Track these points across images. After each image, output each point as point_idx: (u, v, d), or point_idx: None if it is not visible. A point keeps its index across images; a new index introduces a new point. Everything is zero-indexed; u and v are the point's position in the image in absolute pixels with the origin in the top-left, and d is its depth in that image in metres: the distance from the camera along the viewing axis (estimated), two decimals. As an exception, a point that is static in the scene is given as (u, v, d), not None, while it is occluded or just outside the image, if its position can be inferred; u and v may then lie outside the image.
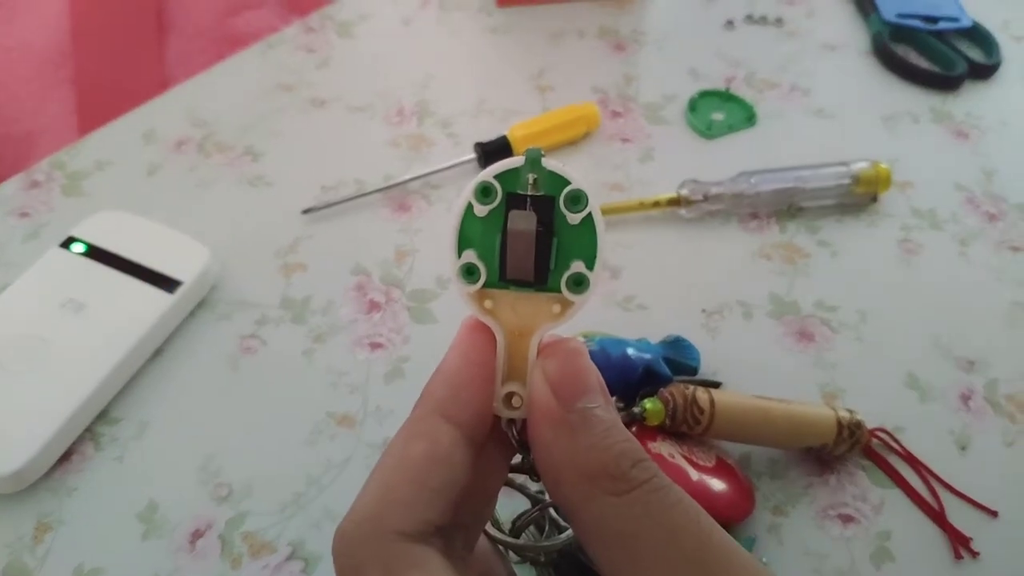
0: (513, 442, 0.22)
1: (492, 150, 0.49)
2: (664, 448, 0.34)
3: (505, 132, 0.49)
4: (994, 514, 0.36)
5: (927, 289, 0.44)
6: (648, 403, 0.34)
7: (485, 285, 0.21)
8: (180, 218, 0.44)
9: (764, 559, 0.34)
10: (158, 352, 0.40)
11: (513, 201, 0.21)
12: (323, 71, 0.55)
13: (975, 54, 0.57)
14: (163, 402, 0.39)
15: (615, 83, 0.55)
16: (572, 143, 0.51)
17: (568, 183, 0.21)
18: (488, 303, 0.21)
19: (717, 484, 0.34)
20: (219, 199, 0.47)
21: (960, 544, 0.34)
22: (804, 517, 0.35)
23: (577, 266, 0.21)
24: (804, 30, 0.59)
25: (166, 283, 0.41)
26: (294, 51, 0.57)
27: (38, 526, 0.35)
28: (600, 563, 0.20)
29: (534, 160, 0.21)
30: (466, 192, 0.21)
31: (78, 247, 0.42)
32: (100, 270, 0.41)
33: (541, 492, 0.28)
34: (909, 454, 0.37)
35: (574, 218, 0.21)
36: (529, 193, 0.21)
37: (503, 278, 0.21)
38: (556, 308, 0.21)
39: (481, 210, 0.21)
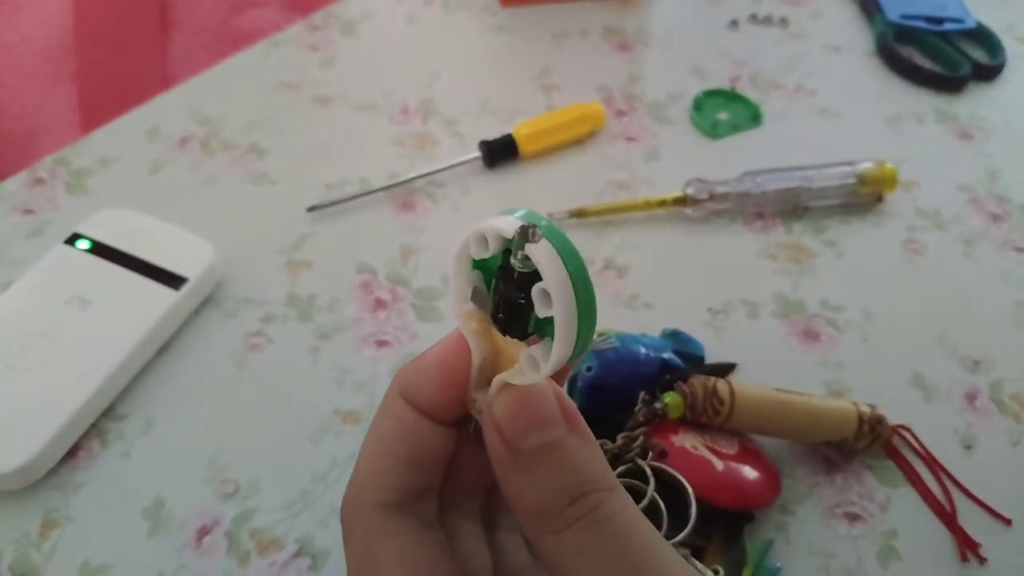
0: (471, 437, 0.23)
1: (497, 148, 0.49)
2: (687, 440, 0.34)
3: (509, 131, 0.49)
4: (1008, 522, 0.35)
5: (932, 289, 0.44)
6: (667, 397, 0.34)
7: (479, 308, 0.21)
8: (184, 215, 0.44)
9: (778, 564, 0.34)
10: (164, 349, 0.40)
11: (506, 263, 0.20)
12: (327, 69, 0.55)
13: (979, 55, 0.57)
14: (169, 399, 0.39)
15: (620, 82, 0.55)
16: (577, 142, 0.51)
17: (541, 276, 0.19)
18: (474, 324, 0.21)
19: (743, 472, 0.34)
20: (223, 197, 0.47)
21: (969, 548, 0.34)
22: (811, 516, 0.35)
23: (538, 350, 0.20)
24: (809, 31, 0.59)
25: (171, 280, 0.41)
26: (298, 49, 0.57)
27: (44, 522, 0.35)
28: None
29: (519, 244, 0.19)
30: (466, 236, 0.20)
31: (83, 244, 0.42)
32: (105, 267, 0.41)
33: None
34: (928, 453, 0.37)
35: (545, 312, 0.19)
36: (518, 269, 0.19)
37: (495, 320, 0.21)
38: (517, 366, 0.21)
39: (480, 253, 0.20)
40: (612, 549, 0.19)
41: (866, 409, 0.36)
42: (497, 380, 0.21)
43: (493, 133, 0.50)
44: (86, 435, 0.37)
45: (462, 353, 0.22)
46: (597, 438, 0.22)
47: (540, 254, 0.19)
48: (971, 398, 0.40)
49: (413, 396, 0.22)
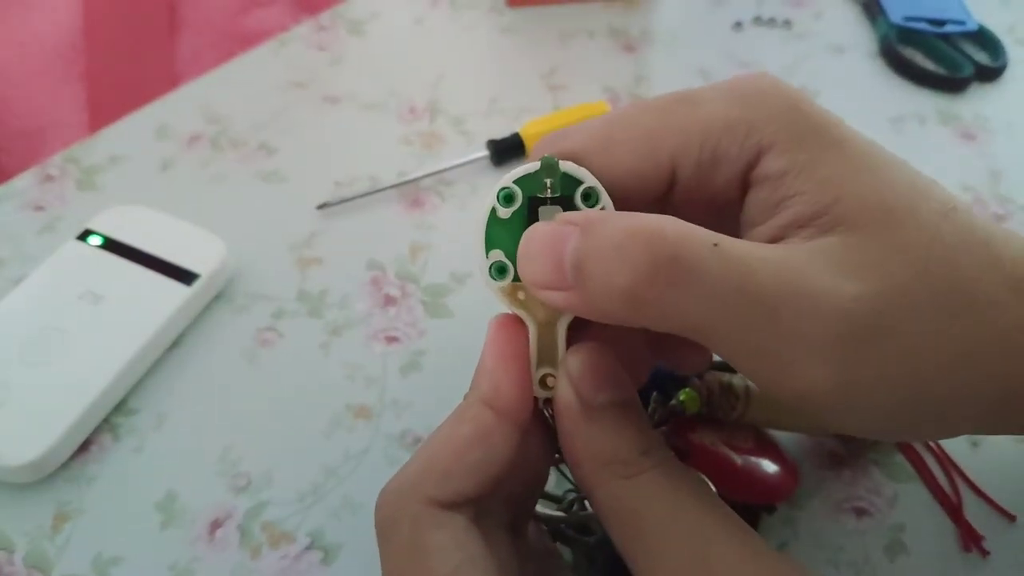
0: (548, 420, 0.24)
1: (505, 147, 0.49)
2: (705, 437, 0.34)
3: (517, 130, 0.50)
4: (1012, 518, 0.36)
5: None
6: (683, 394, 0.35)
7: (514, 280, 0.23)
8: (195, 212, 0.44)
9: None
10: (175, 344, 0.40)
11: (534, 203, 0.23)
12: (335, 69, 0.56)
13: (981, 57, 0.58)
14: (181, 393, 0.39)
15: (625, 83, 0.55)
16: (584, 141, 0.51)
17: (581, 182, 0.23)
18: (521, 294, 0.24)
19: (762, 466, 0.34)
20: (233, 194, 0.48)
21: (972, 541, 0.35)
22: (819, 510, 0.36)
23: None
24: (812, 32, 0.60)
25: (183, 276, 0.41)
26: (306, 49, 0.57)
27: (57, 515, 0.35)
28: (613, 537, 0.22)
29: (550, 165, 0.23)
30: (489, 198, 0.23)
31: (95, 240, 0.42)
32: (117, 262, 0.41)
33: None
34: (937, 446, 0.37)
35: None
36: (548, 195, 0.23)
37: None
38: None
39: (504, 213, 0.23)
40: (688, 493, 0.21)
41: None
42: (562, 327, 0.23)
43: (500, 132, 0.50)
44: (99, 429, 0.37)
45: (513, 340, 0.24)
46: None
47: (570, 166, 0.23)
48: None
49: (495, 401, 0.23)
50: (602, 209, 0.23)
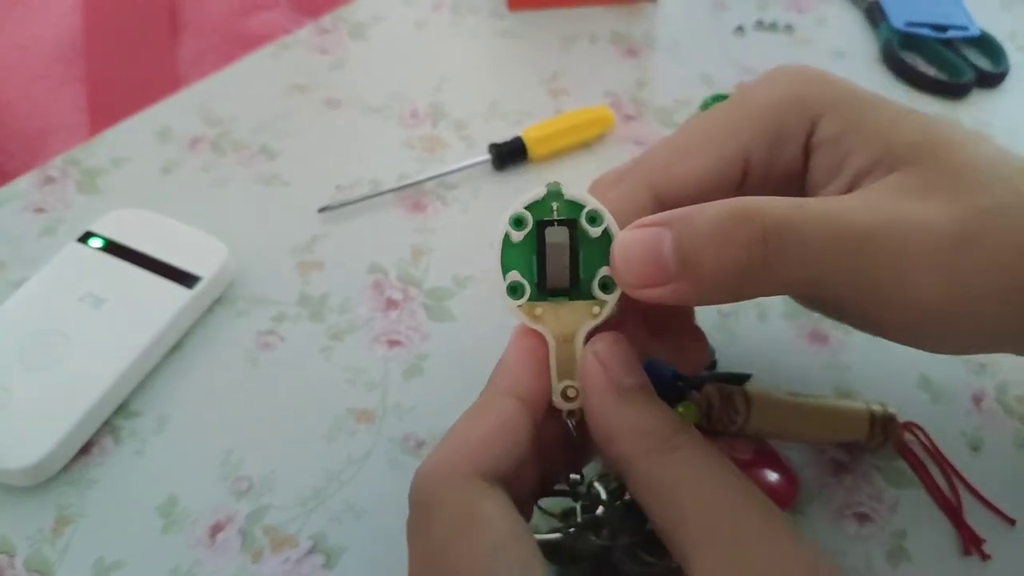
0: (572, 430, 0.26)
1: (507, 151, 0.49)
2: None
3: (518, 134, 0.50)
4: (1012, 522, 0.36)
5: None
6: (681, 407, 0.35)
7: (529, 299, 0.26)
8: (196, 215, 0.44)
9: None
10: (177, 347, 0.40)
11: (543, 226, 0.26)
12: (337, 72, 0.56)
13: (983, 63, 0.58)
14: (182, 396, 0.39)
15: (627, 87, 0.55)
16: (586, 145, 0.51)
17: (584, 206, 0.26)
18: (538, 310, 0.26)
19: (763, 476, 0.35)
20: (235, 197, 0.48)
21: (973, 544, 0.35)
22: (821, 516, 0.36)
23: (604, 271, 0.26)
24: (814, 37, 0.60)
25: (185, 278, 0.41)
26: (308, 52, 0.57)
27: (58, 519, 0.35)
28: (650, 510, 0.23)
29: (556, 192, 0.26)
30: (501, 224, 0.26)
31: (96, 242, 0.42)
32: (119, 265, 0.41)
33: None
34: (937, 450, 0.37)
35: (595, 231, 0.25)
36: (555, 218, 0.26)
37: (543, 291, 0.26)
38: (595, 309, 0.26)
39: (517, 236, 0.26)
40: (722, 470, 0.23)
41: (878, 408, 0.36)
42: (580, 338, 0.26)
43: (502, 136, 0.50)
44: (100, 432, 0.37)
45: (534, 346, 0.26)
46: None
47: (574, 192, 0.26)
48: (978, 400, 0.40)
49: (517, 392, 0.25)
50: (605, 229, 0.25)
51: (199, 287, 0.41)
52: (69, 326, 0.39)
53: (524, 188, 0.48)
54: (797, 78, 0.28)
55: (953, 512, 0.36)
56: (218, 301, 0.42)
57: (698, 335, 0.32)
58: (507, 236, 0.26)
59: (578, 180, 0.49)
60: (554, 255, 0.25)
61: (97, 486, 0.36)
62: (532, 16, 0.60)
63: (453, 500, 0.22)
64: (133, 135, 0.51)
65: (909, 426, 0.38)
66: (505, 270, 0.26)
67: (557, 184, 0.25)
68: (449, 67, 0.56)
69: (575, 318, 0.26)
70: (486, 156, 0.49)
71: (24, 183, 0.48)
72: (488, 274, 0.44)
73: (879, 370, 0.41)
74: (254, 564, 0.34)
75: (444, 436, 0.24)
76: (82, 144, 0.50)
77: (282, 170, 0.49)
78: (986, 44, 0.59)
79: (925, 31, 0.58)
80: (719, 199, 0.24)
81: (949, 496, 0.36)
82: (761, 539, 0.21)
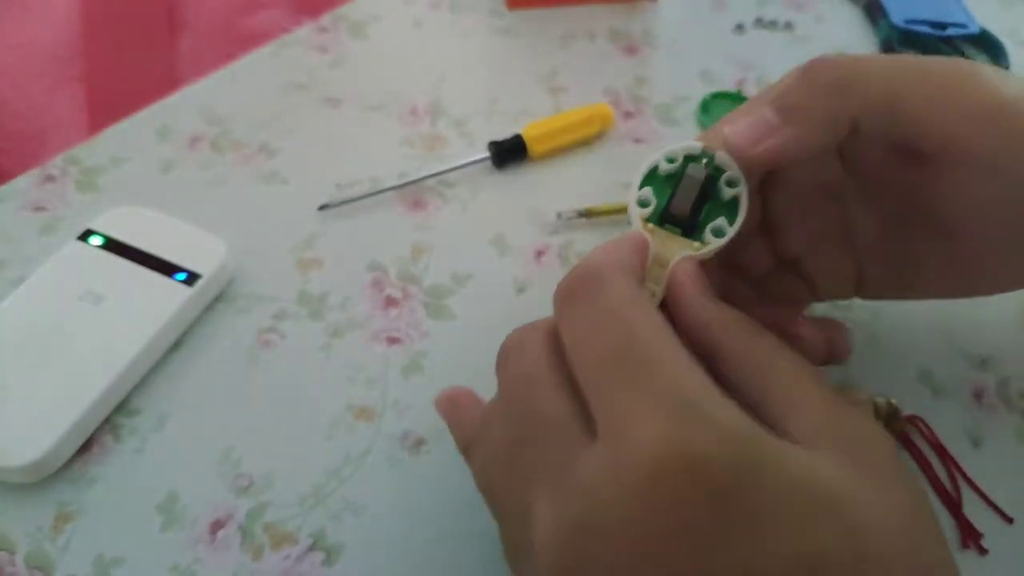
0: None
1: (506, 149, 0.49)
2: None
3: (518, 131, 0.50)
4: (1010, 520, 0.36)
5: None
6: None
7: (648, 218, 0.30)
8: (195, 214, 0.44)
9: None
10: (177, 345, 0.40)
11: (687, 163, 0.30)
12: (336, 71, 0.56)
13: (983, 60, 0.58)
14: (182, 394, 0.39)
15: (627, 85, 0.55)
16: (585, 143, 0.51)
17: (725, 170, 0.30)
18: (650, 227, 0.30)
19: None
20: (234, 196, 0.48)
21: (971, 538, 0.35)
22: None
23: (720, 221, 0.30)
24: (814, 35, 0.60)
25: (185, 276, 0.41)
26: (307, 51, 0.57)
27: (58, 515, 0.35)
28: (740, 382, 0.26)
29: (709, 154, 0.31)
30: (657, 155, 0.31)
31: (96, 240, 0.42)
32: (119, 263, 0.41)
33: None
34: (939, 444, 0.37)
35: (728, 193, 0.30)
36: (704, 163, 0.30)
37: (663, 220, 0.30)
38: (696, 245, 0.29)
39: (665, 168, 0.31)
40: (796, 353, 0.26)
41: (881, 401, 0.36)
42: (674, 261, 0.29)
43: (502, 134, 0.50)
44: (100, 430, 0.37)
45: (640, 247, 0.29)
46: None
47: (723, 157, 0.30)
48: (979, 395, 0.40)
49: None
50: (736, 196, 0.30)
51: (199, 285, 0.40)
52: (69, 324, 0.39)
53: (524, 186, 0.48)
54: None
55: (953, 506, 0.36)
56: (218, 299, 0.42)
57: (827, 323, 0.34)
58: (657, 166, 0.31)
59: (578, 178, 0.49)
60: (687, 186, 0.30)
61: (97, 483, 0.36)
62: (531, 14, 0.60)
63: (620, 283, 0.26)
64: (132, 134, 0.51)
65: (912, 419, 0.38)
66: (641, 187, 0.30)
67: (710, 149, 0.30)
68: (448, 65, 0.56)
69: (677, 249, 0.29)
70: (486, 154, 0.49)
71: (24, 182, 0.48)
72: (487, 273, 0.44)
73: (880, 365, 0.41)
74: (254, 561, 0.34)
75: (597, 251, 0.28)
76: (82, 143, 0.50)
77: (282, 168, 0.49)
78: (986, 42, 0.59)
79: (924, 28, 0.58)
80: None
81: (950, 490, 0.36)
82: (837, 398, 0.25)
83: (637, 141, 0.52)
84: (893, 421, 0.36)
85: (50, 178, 0.48)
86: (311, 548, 0.34)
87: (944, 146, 0.29)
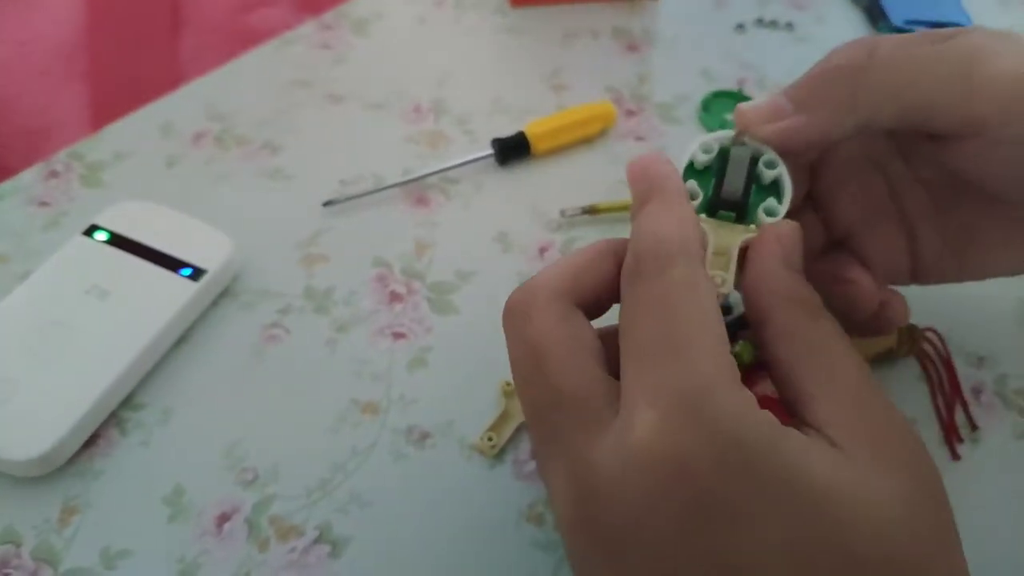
0: None
1: (510, 146, 0.49)
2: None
3: (521, 129, 0.50)
4: (975, 427, 0.39)
5: (938, 287, 0.45)
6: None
7: (698, 210, 0.30)
8: (200, 209, 0.45)
9: None
10: (182, 339, 0.40)
11: (724, 153, 0.30)
12: (340, 68, 0.56)
13: (981, 60, 0.58)
14: (188, 389, 0.39)
15: (629, 83, 0.56)
16: (588, 141, 0.51)
17: (764, 153, 0.30)
18: (703, 216, 0.30)
19: None
20: (238, 191, 0.48)
21: (954, 437, 0.39)
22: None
23: (770, 202, 0.30)
24: (814, 35, 0.60)
25: (190, 271, 0.41)
26: (310, 48, 0.57)
27: (64, 509, 0.35)
28: (776, 354, 0.26)
29: (742, 140, 0.31)
30: (692, 146, 0.31)
31: (101, 235, 0.42)
32: (124, 258, 0.41)
33: None
34: (948, 358, 0.41)
35: (769, 175, 0.30)
36: (744, 143, 0.31)
37: (715, 202, 0.30)
38: (752, 228, 0.29)
39: (703, 160, 0.30)
40: (852, 346, 0.26)
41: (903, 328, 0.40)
42: (736, 248, 0.29)
43: (505, 131, 0.50)
44: (105, 424, 0.38)
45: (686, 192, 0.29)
46: None
47: (757, 142, 0.30)
48: (977, 393, 0.40)
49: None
50: (777, 177, 0.30)
51: (204, 280, 0.41)
52: (75, 318, 0.39)
53: (527, 183, 0.49)
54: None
55: (948, 408, 0.39)
56: (223, 294, 0.42)
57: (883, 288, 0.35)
58: (692, 161, 0.31)
59: (581, 176, 0.49)
60: (735, 167, 0.30)
61: (103, 477, 0.36)
62: (534, 12, 0.61)
63: (544, 308, 0.27)
64: (136, 130, 0.51)
65: (927, 331, 0.41)
66: (685, 178, 0.30)
67: (744, 135, 0.31)
68: (451, 63, 0.57)
69: (730, 237, 0.29)
70: (489, 151, 0.49)
71: (28, 177, 0.48)
72: (491, 270, 0.44)
73: (879, 361, 0.41)
74: (260, 554, 0.34)
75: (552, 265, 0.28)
76: (85, 139, 0.50)
77: (286, 165, 0.49)
78: (984, 41, 0.59)
79: (923, 28, 0.58)
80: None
81: (947, 399, 0.40)
82: (875, 393, 0.25)
83: (639, 139, 0.52)
84: (914, 334, 0.40)
85: (54, 173, 0.48)
86: (317, 540, 0.34)
87: (959, 127, 0.30)
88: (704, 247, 0.27)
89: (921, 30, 0.31)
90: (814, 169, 0.35)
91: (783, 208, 0.30)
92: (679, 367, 0.23)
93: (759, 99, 0.31)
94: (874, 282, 0.33)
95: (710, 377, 0.23)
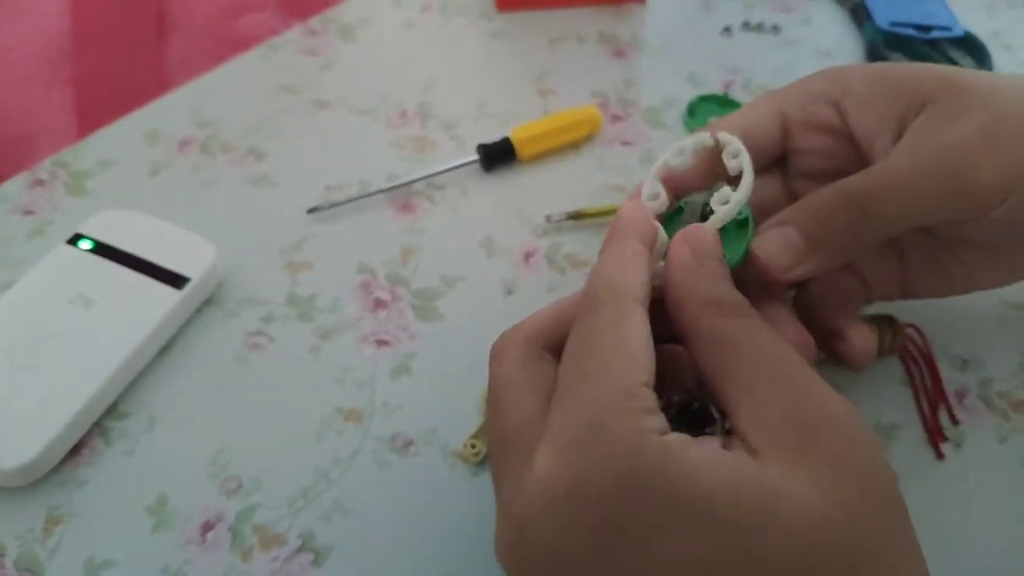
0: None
1: (495, 152, 0.49)
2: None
3: (507, 134, 0.50)
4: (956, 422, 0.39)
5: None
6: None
7: (660, 214, 0.32)
8: (185, 217, 0.45)
9: None
10: (166, 348, 0.40)
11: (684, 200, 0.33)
12: (326, 74, 0.56)
13: (967, 62, 0.58)
14: (172, 397, 0.39)
15: (615, 87, 0.56)
16: (574, 146, 0.51)
17: (727, 145, 0.32)
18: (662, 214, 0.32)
19: None
20: (224, 198, 0.48)
21: (938, 437, 0.39)
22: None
23: (725, 191, 0.31)
24: (800, 37, 0.60)
25: (174, 279, 0.41)
26: (297, 54, 0.57)
27: (48, 518, 0.35)
28: (704, 364, 0.26)
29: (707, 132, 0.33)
30: (665, 153, 0.34)
31: (85, 244, 0.42)
32: (108, 266, 0.41)
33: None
34: (929, 353, 0.41)
35: (733, 166, 0.32)
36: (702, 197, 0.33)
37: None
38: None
39: (677, 163, 0.33)
40: (779, 337, 0.27)
41: (874, 315, 0.40)
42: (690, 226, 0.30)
43: (491, 136, 0.50)
44: (89, 433, 0.37)
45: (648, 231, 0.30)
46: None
47: (723, 134, 0.33)
48: (961, 396, 0.40)
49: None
50: (738, 155, 0.32)
51: (188, 288, 0.41)
52: (59, 327, 0.39)
53: (512, 189, 0.49)
54: (824, 71, 0.37)
55: (931, 406, 0.39)
56: (207, 302, 0.42)
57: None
58: (667, 160, 0.33)
59: (567, 181, 0.49)
60: (690, 216, 0.32)
61: (87, 486, 0.36)
62: (520, 17, 0.61)
63: (513, 355, 0.28)
64: (121, 137, 0.51)
65: (907, 327, 0.42)
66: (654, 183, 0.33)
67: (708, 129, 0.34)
68: (438, 68, 0.57)
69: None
70: (474, 157, 0.49)
71: (12, 185, 0.48)
72: (476, 276, 0.45)
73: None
74: (244, 562, 0.34)
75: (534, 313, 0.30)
76: (70, 146, 0.50)
77: (271, 171, 0.49)
78: (970, 44, 0.59)
79: (910, 31, 0.59)
80: (768, 143, 0.35)
81: (930, 397, 0.40)
82: (807, 385, 0.25)
83: (625, 144, 0.52)
84: (896, 330, 0.40)
85: (39, 182, 0.48)
86: (300, 549, 0.34)
87: (957, 225, 0.33)
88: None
89: (887, 80, 0.33)
90: (805, 189, 0.35)
91: (737, 196, 0.30)
92: (583, 399, 0.24)
93: (769, 234, 0.31)
94: (866, 341, 0.36)
95: (608, 407, 0.24)
